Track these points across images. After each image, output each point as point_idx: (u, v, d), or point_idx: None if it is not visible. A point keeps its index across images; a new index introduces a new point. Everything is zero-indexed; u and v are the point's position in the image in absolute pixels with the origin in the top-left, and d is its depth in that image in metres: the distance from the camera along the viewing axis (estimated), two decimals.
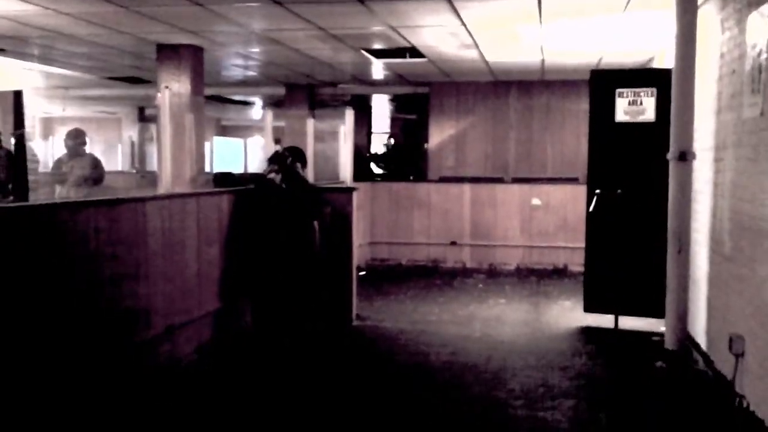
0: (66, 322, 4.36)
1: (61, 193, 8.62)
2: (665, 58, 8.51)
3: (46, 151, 18.49)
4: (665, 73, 6.59)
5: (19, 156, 6.90)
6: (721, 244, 5.66)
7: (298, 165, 7.21)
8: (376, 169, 15.89)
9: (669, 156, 6.21)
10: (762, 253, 4.55)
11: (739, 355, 4.90)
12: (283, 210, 6.95)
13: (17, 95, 6.26)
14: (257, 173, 9.58)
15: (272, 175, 7.04)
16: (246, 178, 8.72)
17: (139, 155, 18.03)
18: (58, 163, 9.02)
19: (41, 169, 15.15)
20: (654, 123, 7.11)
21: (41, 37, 8.81)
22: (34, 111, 17.07)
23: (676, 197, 6.23)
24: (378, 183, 12.86)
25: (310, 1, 6.97)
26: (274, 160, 7.19)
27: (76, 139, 8.94)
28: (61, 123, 18.84)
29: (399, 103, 16.71)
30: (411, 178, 14.18)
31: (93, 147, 9.41)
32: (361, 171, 12.70)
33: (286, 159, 7.14)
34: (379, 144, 17.83)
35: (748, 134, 4.92)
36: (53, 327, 4.24)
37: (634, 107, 7.26)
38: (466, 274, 11.14)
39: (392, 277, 10.79)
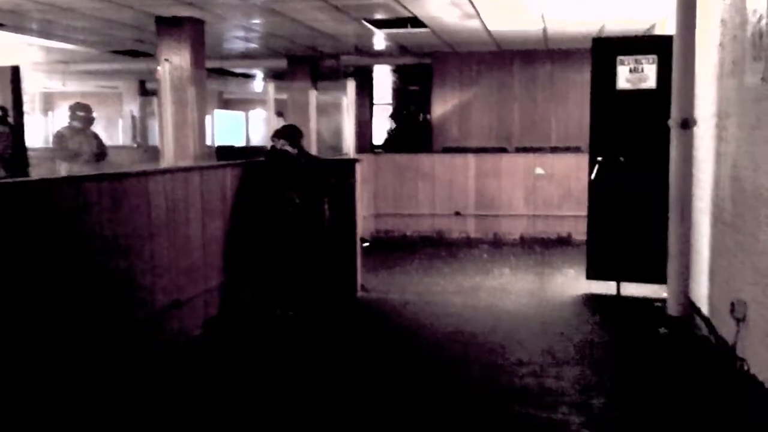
0: (73, 296, 4.40)
1: (71, 170, 8.61)
2: (666, 25, 8.46)
3: (46, 126, 18.49)
4: (666, 40, 6.56)
5: (19, 131, 6.93)
6: (723, 211, 5.67)
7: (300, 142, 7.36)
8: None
9: (670, 123, 6.22)
10: (763, 219, 4.57)
11: (740, 320, 4.94)
12: (297, 181, 7.06)
13: (15, 71, 6.26)
14: (261, 146, 9.61)
15: (287, 148, 7.14)
16: (248, 150, 8.76)
17: (140, 129, 18.01)
18: (60, 138, 8.97)
19: (41, 144, 15.15)
20: (655, 90, 7.08)
21: (40, 11, 8.76)
22: (34, 86, 17.04)
23: (677, 164, 6.25)
24: (382, 155, 12.86)
25: None
26: (282, 135, 7.29)
27: (87, 113, 8.95)
28: (62, 98, 18.80)
29: (401, 75, 16.65)
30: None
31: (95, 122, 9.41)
32: None
33: (291, 135, 7.28)
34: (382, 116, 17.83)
35: (750, 101, 4.91)
36: (61, 299, 4.29)
37: (635, 75, 7.23)
38: (471, 244, 11.17)
39: (397, 248, 10.82)
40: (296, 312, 6.80)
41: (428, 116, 13.96)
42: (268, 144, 7.57)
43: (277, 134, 7.37)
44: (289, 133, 7.31)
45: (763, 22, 4.51)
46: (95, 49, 12.31)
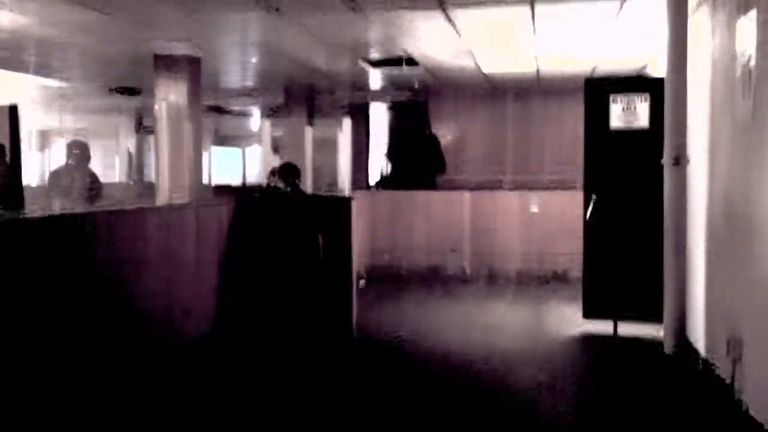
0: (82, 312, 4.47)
1: (63, 207, 8.61)
2: (658, 65, 8.55)
3: (42, 164, 18.52)
4: (658, 80, 6.64)
5: (17, 169, 6.95)
6: (718, 246, 5.68)
7: (297, 180, 7.50)
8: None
9: (664, 161, 6.26)
10: (756, 251, 4.57)
11: (737, 360, 4.92)
12: (290, 218, 7.14)
13: (12, 110, 6.32)
14: (258, 184, 9.67)
15: (281, 185, 7.26)
16: (245, 190, 8.83)
17: (137, 166, 18.03)
18: (56, 175, 8.99)
19: (37, 181, 15.16)
20: (648, 129, 7.15)
21: (37, 48, 8.82)
22: (30, 124, 17.10)
23: (671, 201, 6.28)
24: (378, 190, 12.89)
25: (308, 10, 7.00)
26: (278, 173, 7.44)
27: (84, 150, 8.97)
28: (59, 135, 18.83)
29: (397, 111, 16.73)
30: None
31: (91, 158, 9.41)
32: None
33: (288, 174, 7.39)
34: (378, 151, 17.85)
35: (740, 137, 4.95)
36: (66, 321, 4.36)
37: (628, 114, 7.29)
38: (466, 280, 11.16)
39: (393, 284, 10.79)
40: (295, 312, 6.79)
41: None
42: (265, 181, 7.68)
43: (273, 172, 7.48)
44: (283, 171, 7.43)
45: (752, 62, 4.57)
46: (92, 85, 12.38)
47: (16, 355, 3.99)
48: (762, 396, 4.46)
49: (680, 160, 6.20)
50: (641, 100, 7.23)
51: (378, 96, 14.31)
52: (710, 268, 5.97)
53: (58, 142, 18.72)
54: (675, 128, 6.21)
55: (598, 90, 7.46)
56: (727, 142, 5.35)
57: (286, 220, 7.16)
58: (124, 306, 5.08)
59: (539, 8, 6.78)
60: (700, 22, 6.19)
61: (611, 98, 7.31)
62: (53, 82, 11.72)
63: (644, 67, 9.99)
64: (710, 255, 5.97)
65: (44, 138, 20.22)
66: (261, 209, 7.26)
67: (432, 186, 12.99)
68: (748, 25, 4.66)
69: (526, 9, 6.82)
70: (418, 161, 14.98)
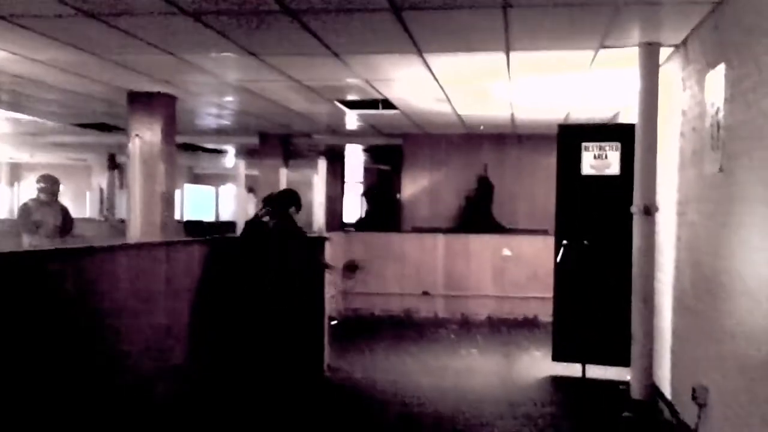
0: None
1: (33, 243, 8.47)
2: (630, 113, 8.72)
3: (12, 197, 18.34)
4: (629, 128, 6.76)
5: None
6: (684, 295, 5.75)
7: (293, 209, 7.10)
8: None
9: (633, 210, 6.35)
10: (722, 304, 4.64)
11: (701, 405, 4.96)
12: (270, 256, 6.90)
13: None
14: (231, 221, 9.58)
15: (266, 219, 6.97)
16: (217, 225, 8.74)
17: (108, 203, 17.91)
18: (25, 210, 8.86)
19: (6, 215, 15.00)
20: (619, 176, 7.25)
21: (11, 83, 8.78)
22: (0, 157, 16.95)
23: (640, 249, 6.37)
24: (352, 233, 12.90)
25: (285, 53, 7.07)
26: (268, 202, 7.14)
27: (54, 185, 8.89)
28: (29, 169, 18.69)
29: (373, 154, 16.86)
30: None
31: (62, 194, 9.28)
32: None
33: (280, 202, 7.11)
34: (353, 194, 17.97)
35: (708, 189, 5.04)
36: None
37: (599, 161, 7.40)
38: (439, 324, 11.13)
39: (365, 327, 10.75)
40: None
41: (398, 195, 14.08)
42: (238, 219, 7.49)
43: (265, 200, 7.14)
44: (271, 200, 7.12)
45: (720, 114, 4.68)
46: (65, 122, 12.31)
47: None
48: None
49: (649, 210, 6.30)
50: (613, 148, 7.34)
51: (354, 139, 14.41)
52: (677, 317, 6.04)
53: (28, 176, 18.58)
54: (645, 178, 6.32)
55: (571, 137, 7.57)
56: (696, 192, 5.45)
57: (260, 260, 6.95)
58: (92, 346, 5.00)
59: (514, 56, 6.91)
60: (671, 72, 6.34)
61: (583, 145, 7.42)
62: (25, 116, 11.65)
63: (617, 115, 10.18)
64: (677, 304, 6.04)
65: (14, 171, 20.05)
66: (235, 248, 7.10)
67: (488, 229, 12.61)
68: (717, 78, 4.78)
69: (502, 56, 6.94)
70: (390, 204, 15.03)
